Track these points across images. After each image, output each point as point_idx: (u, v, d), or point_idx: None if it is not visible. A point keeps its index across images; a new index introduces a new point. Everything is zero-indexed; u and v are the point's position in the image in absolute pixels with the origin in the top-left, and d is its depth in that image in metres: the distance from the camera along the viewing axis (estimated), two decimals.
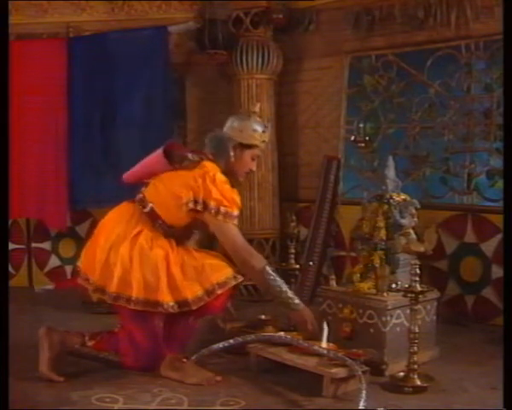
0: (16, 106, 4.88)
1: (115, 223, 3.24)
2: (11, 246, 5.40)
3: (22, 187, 5.15)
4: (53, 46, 5.24)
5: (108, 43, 5.18)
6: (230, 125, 3.39)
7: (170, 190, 3.23)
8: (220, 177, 3.21)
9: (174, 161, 3.32)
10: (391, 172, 3.68)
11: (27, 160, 5.17)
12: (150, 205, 3.24)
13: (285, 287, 3.27)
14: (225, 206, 3.15)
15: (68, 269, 5.57)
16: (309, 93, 5.25)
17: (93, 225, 3.35)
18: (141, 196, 3.30)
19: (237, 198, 3.22)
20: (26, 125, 5.13)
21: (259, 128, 3.39)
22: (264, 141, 3.43)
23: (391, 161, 3.72)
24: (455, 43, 4.43)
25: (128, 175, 3.48)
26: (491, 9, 4.23)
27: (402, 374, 3.09)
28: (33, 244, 5.59)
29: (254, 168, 3.47)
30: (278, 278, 3.26)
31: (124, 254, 3.12)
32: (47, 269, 5.60)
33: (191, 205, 3.17)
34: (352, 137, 4.83)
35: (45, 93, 5.17)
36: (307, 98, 5.27)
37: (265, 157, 5.07)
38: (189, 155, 3.32)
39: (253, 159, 3.41)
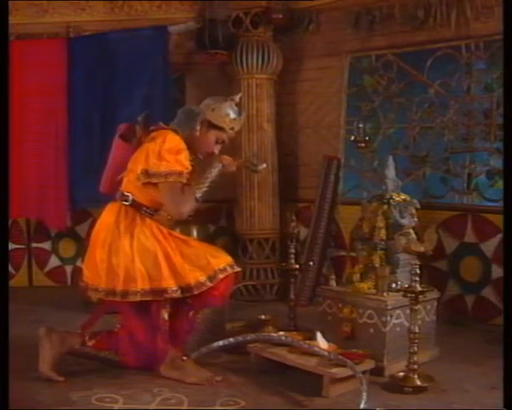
0: (16, 106, 4.89)
1: (107, 228, 3.22)
2: (11, 246, 5.41)
3: (22, 187, 5.14)
4: (53, 46, 5.24)
5: (108, 43, 5.18)
6: (205, 103, 3.35)
7: (134, 173, 3.21)
8: (170, 140, 3.13)
9: (131, 140, 3.28)
10: (391, 172, 3.68)
11: (27, 160, 5.17)
12: (130, 197, 3.22)
13: (203, 180, 3.27)
14: (165, 166, 3.08)
15: (68, 269, 5.59)
16: (309, 93, 5.25)
17: (93, 225, 3.35)
18: (119, 192, 3.28)
19: (182, 157, 3.13)
20: (26, 124, 5.13)
21: (232, 113, 3.32)
22: (232, 128, 3.33)
23: (391, 161, 3.73)
24: (455, 43, 4.43)
25: (101, 183, 3.44)
26: (491, 9, 4.23)
27: (402, 374, 3.10)
28: (33, 244, 5.60)
29: (216, 152, 3.36)
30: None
31: (123, 251, 3.12)
32: (47, 269, 5.61)
33: (143, 179, 3.14)
34: (352, 137, 4.81)
35: (45, 93, 5.17)
36: (307, 98, 5.27)
37: (265, 157, 5.07)
38: (137, 127, 3.25)
39: (217, 142, 3.33)
